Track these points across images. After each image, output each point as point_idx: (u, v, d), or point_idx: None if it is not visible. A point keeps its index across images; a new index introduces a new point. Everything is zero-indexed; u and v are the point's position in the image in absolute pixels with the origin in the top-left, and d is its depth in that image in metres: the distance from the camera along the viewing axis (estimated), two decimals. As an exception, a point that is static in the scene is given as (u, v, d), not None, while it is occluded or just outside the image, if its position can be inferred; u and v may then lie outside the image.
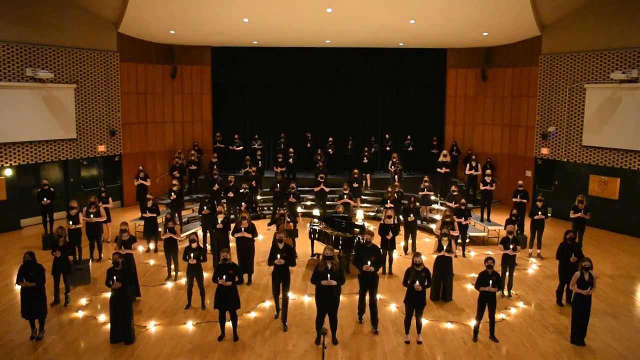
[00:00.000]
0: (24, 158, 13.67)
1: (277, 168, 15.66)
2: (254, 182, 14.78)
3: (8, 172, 13.37)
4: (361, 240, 10.58)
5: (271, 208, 14.75)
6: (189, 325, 8.13)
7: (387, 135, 17.52)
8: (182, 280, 9.86)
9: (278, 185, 13.71)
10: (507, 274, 9.31)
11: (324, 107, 18.68)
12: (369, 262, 7.84)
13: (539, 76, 15.56)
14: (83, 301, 9.02)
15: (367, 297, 8.07)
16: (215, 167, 14.89)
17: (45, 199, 12.24)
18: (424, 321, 8.08)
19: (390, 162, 15.36)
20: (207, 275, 9.66)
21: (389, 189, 13.00)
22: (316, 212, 12.92)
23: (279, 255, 8.02)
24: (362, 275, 8.00)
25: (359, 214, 13.31)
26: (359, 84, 18.29)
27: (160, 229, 11.80)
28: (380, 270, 9.37)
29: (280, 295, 8.21)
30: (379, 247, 9.30)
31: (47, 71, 13.63)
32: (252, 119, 18.86)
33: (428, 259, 9.83)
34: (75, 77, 14.56)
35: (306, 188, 15.83)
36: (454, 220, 10.82)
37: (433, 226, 12.94)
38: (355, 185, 14.11)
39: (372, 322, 8.01)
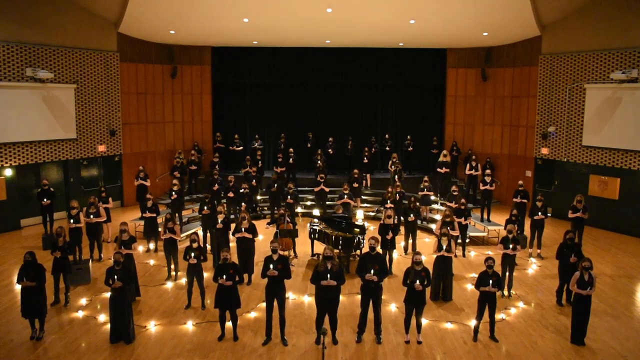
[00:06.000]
0: (24, 158, 13.67)
1: (277, 168, 15.66)
2: (254, 182, 14.77)
3: (8, 172, 13.37)
4: (361, 242, 10.62)
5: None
6: (189, 325, 8.13)
7: (387, 135, 17.51)
8: (182, 280, 9.86)
9: (275, 185, 13.71)
10: (507, 273, 9.31)
11: (324, 107, 18.67)
12: (372, 271, 7.40)
13: (539, 76, 15.56)
14: (83, 301, 9.02)
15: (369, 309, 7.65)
16: (216, 167, 14.89)
17: (45, 199, 12.23)
18: (424, 321, 8.08)
19: (390, 162, 15.35)
20: (207, 275, 9.67)
21: (389, 189, 12.99)
22: (316, 212, 12.92)
23: (271, 266, 7.45)
24: (364, 285, 7.56)
25: (359, 214, 13.31)
26: (359, 84, 18.28)
27: (160, 229, 11.80)
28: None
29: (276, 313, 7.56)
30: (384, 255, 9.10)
31: (47, 71, 13.63)
32: (252, 119, 18.85)
33: (428, 258, 9.83)
34: (75, 77, 14.56)
35: (306, 188, 15.83)
36: (454, 220, 10.82)
37: (433, 226, 12.95)
38: (355, 185, 14.11)
39: (375, 331, 7.70)
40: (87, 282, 9.84)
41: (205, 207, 11.17)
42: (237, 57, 17.79)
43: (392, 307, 8.88)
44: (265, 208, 15.31)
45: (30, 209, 13.71)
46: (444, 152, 15.31)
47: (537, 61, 15.54)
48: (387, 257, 10.39)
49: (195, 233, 8.94)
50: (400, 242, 11.83)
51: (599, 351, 7.47)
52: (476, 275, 8.22)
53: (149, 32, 15.72)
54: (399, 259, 11.42)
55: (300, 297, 9.28)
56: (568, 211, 11.47)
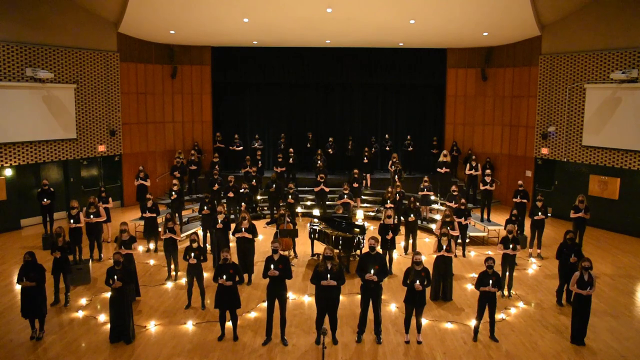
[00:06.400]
0: (24, 158, 13.67)
1: (277, 168, 15.66)
2: (254, 182, 14.78)
3: (8, 172, 13.37)
4: (361, 242, 10.62)
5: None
6: (189, 325, 8.13)
7: (387, 135, 17.52)
8: (182, 280, 9.86)
9: (273, 185, 13.70)
10: (507, 274, 9.31)
11: (324, 107, 18.68)
12: (372, 271, 7.40)
13: (539, 76, 15.56)
14: (83, 301, 9.02)
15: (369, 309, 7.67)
16: (216, 166, 14.90)
17: (45, 199, 12.23)
18: (424, 321, 8.08)
19: (390, 162, 15.36)
20: (207, 275, 9.67)
21: (389, 189, 13.00)
22: (316, 212, 12.91)
23: (272, 266, 7.47)
24: (364, 285, 7.57)
25: (359, 214, 13.31)
26: (359, 84, 18.29)
27: (160, 229, 11.80)
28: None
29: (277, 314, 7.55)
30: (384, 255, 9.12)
31: (47, 71, 13.63)
32: (252, 119, 18.86)
33: (428, 258, 9.83)
34: (75, 77, 14.56)
35: (306, 188, 15.83)
36: (454, 220, 10.82)
37: (433, 226, 12.95)
38: (355, 185, 14.11)
39: (375, 332, 7.71)
40: (87, 282, 9.84)
41: (205, 207, 11.17)
42: (237, 57, 17.78)
43: (392, 307, 8.88)
44: (265, 208, 15.31)
45: (30, 209, 13.71)
46: (444, 152, 15.30)
47: (537, 61, 15.54)
48: (387, 257, 10.38)
49: (195, 233, 8.94)
50: (400, 242, 11.84)
51: (599, 351, 7.47)
52: (476, 275, 8.22)
53: (149, 32, 15.72)
54: (399, 259, 11.42)
55: (300, 297, 9.28)
56: (570, 211, 11.46)
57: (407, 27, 14.39)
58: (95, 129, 15.24)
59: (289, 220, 11.14)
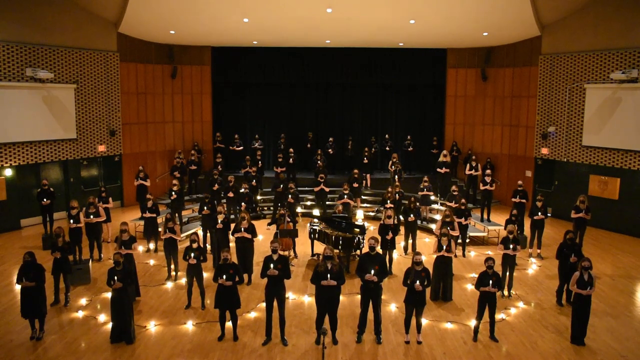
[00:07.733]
0: (24, 158, 13.67)
1: (277, 168, 15.66)
2: (254, 182, 14.78)
3: (8, 172, 13.38)
4: (361, 242, 10.61)
5: (271, 208, 14.77)
6: (189, 325, 8.13)
7: (387, 135, 17.52)
8: (182, 280, 9.86)
9: (281, 185, 13.69)
10: (507, 274, 9.30)
11: (324, 107, 18.67)
12: (372, 271, 7.40)
13: (539, 76, 15.56)
14: (83, 301, 9.03)
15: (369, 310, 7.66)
16: (219, 167, 14.90)
17: (45, 199, 12.23)
18: (424, 321, 8.08)
19: (390, 162, 15.36)
20: (207, 275, 9.68)
21: (389, 189, 12.99)
22: (316, 212, 12.91)
23: (272, 266, 7.47)
24: (364, 285, 7.57)
25: (359, 214, 13.31)
26: (359, 84, 18.29)
27: (160, 229, 11.80)
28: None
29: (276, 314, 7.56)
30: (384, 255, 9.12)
31: (47, 71, 13.64)
32: (252, 119, 18.86)
33: (428, 259, 9.82)
34: (75, 77, 14.56)
35: (306, 188, 15.83)
36: (454, 220, 10.82)
37: (433, 226, 12.95)
38: (355, 185, 14.10)
39: (375, 332, 7.70)
40: (87, 282, 9.84)
41: (205, 207, 11.17)
42: (237, 57, 17.78)
43: (392, 307, 8.88)
44: (266, 208, 15.31)
45: (30, 209, 13.71)
46: (444, 152, 15.30)
47: (537, 61, 15.54)
48: (387, 257, 10.38)
49: (195, 233, 8.94)
50: (400, 242, 11.84)
51: (599, 351, 7.47)
52: (476, 275, 8.23)
53: (149, 32, 15.72)
54: (399, 259, 11.42)
55: (300, 297, 9.28)
56: (570, 211, 11.46)
57: (407, 27, 14.39)
58: (95, 129, 15.24)
59: (289, 220, 11.14)
